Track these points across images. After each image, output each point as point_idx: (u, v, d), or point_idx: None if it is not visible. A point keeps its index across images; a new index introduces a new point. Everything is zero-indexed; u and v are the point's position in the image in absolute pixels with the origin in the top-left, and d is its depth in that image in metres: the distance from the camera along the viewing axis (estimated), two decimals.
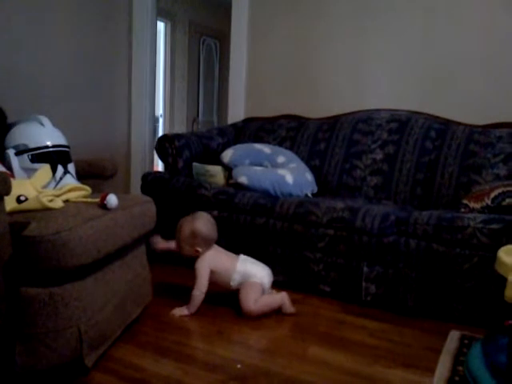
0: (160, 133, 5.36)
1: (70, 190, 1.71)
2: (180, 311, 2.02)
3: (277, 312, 2.09)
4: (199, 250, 2.05)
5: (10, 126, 1.97)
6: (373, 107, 2.99)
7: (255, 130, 3.18)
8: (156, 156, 3.26)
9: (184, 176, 2.75)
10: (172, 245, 2.16)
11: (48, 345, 1.44)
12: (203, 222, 2.07)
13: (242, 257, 2.14)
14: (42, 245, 1.39)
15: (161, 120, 5.57)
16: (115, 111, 3.65)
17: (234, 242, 2.43)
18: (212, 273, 2.06)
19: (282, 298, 2.08)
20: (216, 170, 2.74)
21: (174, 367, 1.62)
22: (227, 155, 2.73)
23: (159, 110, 5.48)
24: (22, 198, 1.58)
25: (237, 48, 3.46)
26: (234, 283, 2.08)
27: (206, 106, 6.09)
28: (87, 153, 2.93)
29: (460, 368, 1.63)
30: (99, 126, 3.49)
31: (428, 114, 2.85)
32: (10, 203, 1.53)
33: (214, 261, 2.08)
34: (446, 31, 2.86)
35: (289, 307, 2.09)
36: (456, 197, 2.46)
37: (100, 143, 3.46)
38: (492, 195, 2.13)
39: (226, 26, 4.15)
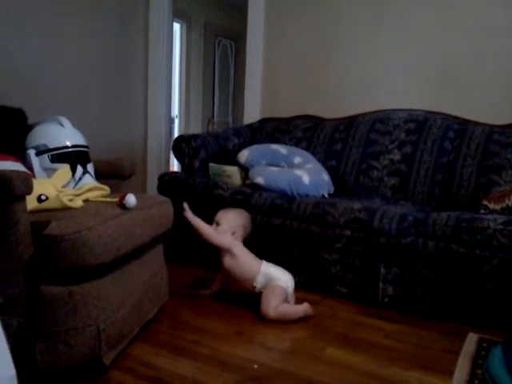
0: (176, 133, 5.39)
1: (89, 190, 1.73)
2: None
3: None
4: (235, 232, 2.14)
5: (31, 127, 2.00)
6: (389, 107, 2.96)
7: (271, 130, 3.18)
8: (172, 156, 3.28)
9: (200, 176, 2.76)
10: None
11: (67, 343, 1.46)
12: (250, 220, 2.23)
13: (265, 262, 2.13)
14: (62, 244, 1.41)
15: (176, 121, 5.60)
16: (132, 112, 3.68)
17: (250, 243, 2.41)
18: (232, 267, 2.09)
19: (303, 311, 2.04)
20: (232, 171, 2.75)
21: (190, 366, 1.63)
22: (243, 156, 2.73)
23: (175, 110, 5.51)
24: (43, 198, 1.61)
25: (253, 48, 3.46)
26: (257, 285, 2.06)
27: (221, 107, 6.11)
28: (104, 153, 2.95)
29: (479, 371, 1.60)
30: (116, 126, 3.52)
31: (446, 114, 2.81)
32: (31, 202, 1.56)
33: (242, 250, 2.12)
34: (462, 29, 2.82)
35: (309, 314, 2.06)
36: (475, 198, 2.43)
37: (117, 144, 3.49)
38: None
39: (241, 27, 4.16)
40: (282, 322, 2.00)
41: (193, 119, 5.74)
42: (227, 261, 2.11)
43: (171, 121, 4.89)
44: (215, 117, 6.01)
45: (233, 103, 6.28)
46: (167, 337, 1.85)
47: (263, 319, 2.01)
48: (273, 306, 2.00)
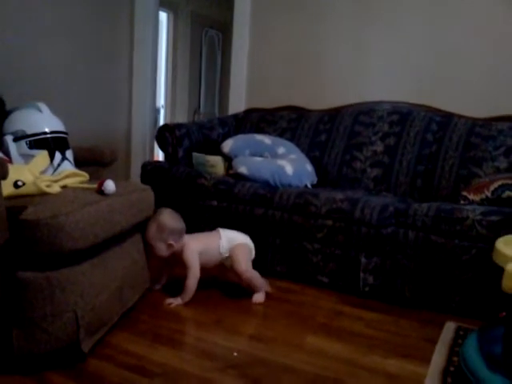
0: (161, 124, 5.34)
1: (67, 176, 1.71)
2: (175, 301, 2.02)
3: (275, 301, 2.10)
4: (172, 243, 2.02)
5: (9, 113, 1.97)
6: (374, 99, 2.97)
7: (256, 120, 3.17)
8: (157, 146, 3.25)
9: (184, 166, 2.75)
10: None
11: (45, 329, 1.44)
12: (167, 216, 2.04)
13: (220, 229, 2.18)
14: (38, 228, 1.39)
15: (162, 111, 5.55)
16: (116, 101, 3.64)
17: None
18: (201, 254, 2.07)
19: (265, 282, 2.14)
20: (216, 160, 2.73)
21: (170, 355, 1.62)
22: (227, 145, 2.72)
23: (161, 101, 5.47)
24: (20, 183, 1.58)
25: (239, 39, 3.44)
26: (223, 250, 2.10)
27: (207, 98, 6.07)
28: (87, 142, 2.92)
29: (455, 359, 1.63)
30: (99, 116, 3.47)
31: (429, 107, 2.83)
32: (7, 188, 1.53)
33: (198, 243, 2.09)
34: (448, 24, 2.83)
35: (261, 296, 2.11)
36: (456, 189, 2.45)
37: (100, 133, 3.44)
38: (492, 187, 2.12)
39: (229, 18, 4.13)
40: (263, 312, 2.00)
41: (179, 110, 5.70)
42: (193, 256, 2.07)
43: (157, 111, 4.84)
44: (201, 108, 5.98)
45: (219, 94, 6.24)
46: (148, 325, 1.84)
47: (243, 309, 2.02)
48: (244, 262, 2.06)
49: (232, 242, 2.12)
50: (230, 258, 2.10)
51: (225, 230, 2.18)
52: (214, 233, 2.17)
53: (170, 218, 2.04)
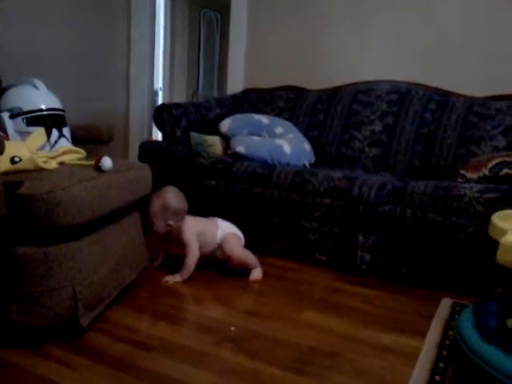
0: None
1: (64, 153, 1.71)
2: (173, 278, 2.03)
3: (272, 279, 2.12)
4: (171, 223, 2.03)
5: (5, 90, 1.95)
6: (373, 79, 2.95)
7: (254, 100, 3.15)
8: (155, 128, 3.24)
9: (182, 145, 2.74)
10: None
11: (43, 303, 1.45)
12: (173, 195, 2.06)
13: (217, 218, 2.21)
14: (35, 203, 1.39)
15: (160, 93, 5.52)
16: (113, 83, 3.61)
17: (230, 212, 2.43)
18: (199, 235, 2.09)
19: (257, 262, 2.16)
20: (214, 140, 2.73)
21: (168, 329, 1.64)
22: (225, 125, 2.71)
23: (159, 83, 5.43)
24: (16, 159, 1.58)
25: (237, 18, 3.40)
26: (217, 239, 2.12)
27: (206, 80, 6.02)
28: (85, 122, 2.91)
29: (451, 332, 1.65)
30: (97, 97, 3.45)
31: (428, 86, 2.81)
32: (4, 164, 1.54)
33: (198, 226, 2.11)
34: (447, 2, 2.80)
35: (258, 272, 2.14)
36: (454, 168, 2.45)
37: (98, 114, 3.43)
38: (489, 165, 2.12)
39: None
40: (260, 289, 2.02)
41: (177, 92, 5.66)
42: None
43: (155, 93, 4.81)
44: (200, 90, 5.93)
45: (218, 76, 6.19)
46: (146, 301, 1.86)
47: (241, 286, 2.04)
48: (239, 248, 2.13)
49: (224, 232, 2.14)
50: (221, 245, 2.11)
51: (220, 219, 2.20)
52: (212, 220, 2.19)
53: (175, 198, 2.05)
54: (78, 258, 1.53)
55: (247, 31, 3.39)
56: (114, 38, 3.56)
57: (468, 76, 2.78)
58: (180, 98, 5.64)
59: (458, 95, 2.71)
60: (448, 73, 2.83)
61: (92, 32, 3.33)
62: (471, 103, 2.61)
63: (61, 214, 1.42)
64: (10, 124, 1.84)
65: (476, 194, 1.96)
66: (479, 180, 2.12)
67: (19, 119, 1.85)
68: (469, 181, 2.15)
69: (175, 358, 1.46)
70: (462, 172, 2.20)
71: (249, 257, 2.13)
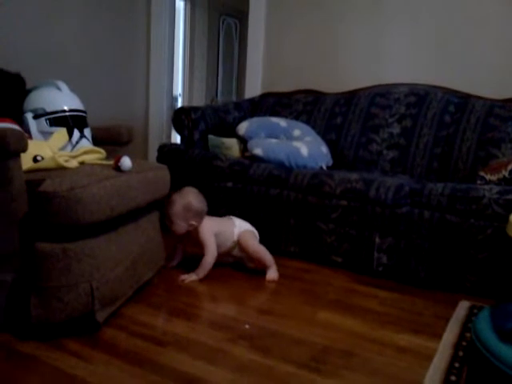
0: None
1: (85, 152, 1.75)
2: (189, 277, 2.05)
3: (288, 279, 2.12)
4: (193, 223, 2.07)
5: (29, 91, 2.02)
6: (391, 81, 2.94)
7: (272, 104, 3.17)
8: (174, 133, 3.28)
9: (200, 148, 2.77)
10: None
11: (60, 298, 1.49)
12: (194, 196, 2.10)
13: (232, 216, 2.25)
14: (56, 200, 1.43)
15: (179, 99, 5.59)
16: (134, 87, 3.68)
17: (247, 213, 2.44)
18: (216, 236, 2.12)
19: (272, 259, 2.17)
20: (231, 143, 2.75)
21: (183, 326, 1.65)
22: (243, 127, 2.74)
23: (178, 89, 5.50)
24: (39, 158, 1.63)
25: (255, 24, 3.44)
26: (235, 237, 2.15)
27: (224, 86, 6.07)
28: (105, 124, 2.98)
29: (467, 334, 1.62)
30: (118, 100, 3.53)
31: (447, 88, 2.79)
32: (26, 162, 1.58)
33: (215, 226, 2.15)
34: (466, 4, 2.78)
35: (274, 272, 2.14)
36: (473, 171, 2.42)
37: (118, 117, 3.49)
38: (509, 167, 2.09)
39: (246, 6, 4.11)
40: (276, 289, 2.03)
41: (196, 98, 5.72)
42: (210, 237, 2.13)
43: (174, 99, 4.87)
44: (219, 96, 5.99)
45: (237, 82, 6.24)
46: (162, 299, 1.88)
47: (257, 286, 2.05)
48: (256, 243, 2.17)
49: (240, 229, 2.18)
50: (238, 242, 2.15)
51: (235, 218, 2.24)
52: (228, 219, 2.23)
53: (197, 200, 2.09)
54: (96, 255, 1.56)
55: (265, 37, 3.42)
56: (135, 42, 3.63)
57: (488, 78, 2.75)
58: (199, 104, 5.70)
59: (478, 97, 2.68)
60: (467, 75, 2.80)
61: (113, 37, 3.41)
62: (491, 105, 2.58)
63: (80, 211, 1.45)
64: (33, 124, 1.90)
65: (495, 196, 1.94)
66: (499, 182, 2.10)
67: (42, 120, 1.91)
68: (488, 183, 2.12)
69: (190, 353, 1.47)
70: (482, 174, 2.18)
71: (264, 252, 2.15)
